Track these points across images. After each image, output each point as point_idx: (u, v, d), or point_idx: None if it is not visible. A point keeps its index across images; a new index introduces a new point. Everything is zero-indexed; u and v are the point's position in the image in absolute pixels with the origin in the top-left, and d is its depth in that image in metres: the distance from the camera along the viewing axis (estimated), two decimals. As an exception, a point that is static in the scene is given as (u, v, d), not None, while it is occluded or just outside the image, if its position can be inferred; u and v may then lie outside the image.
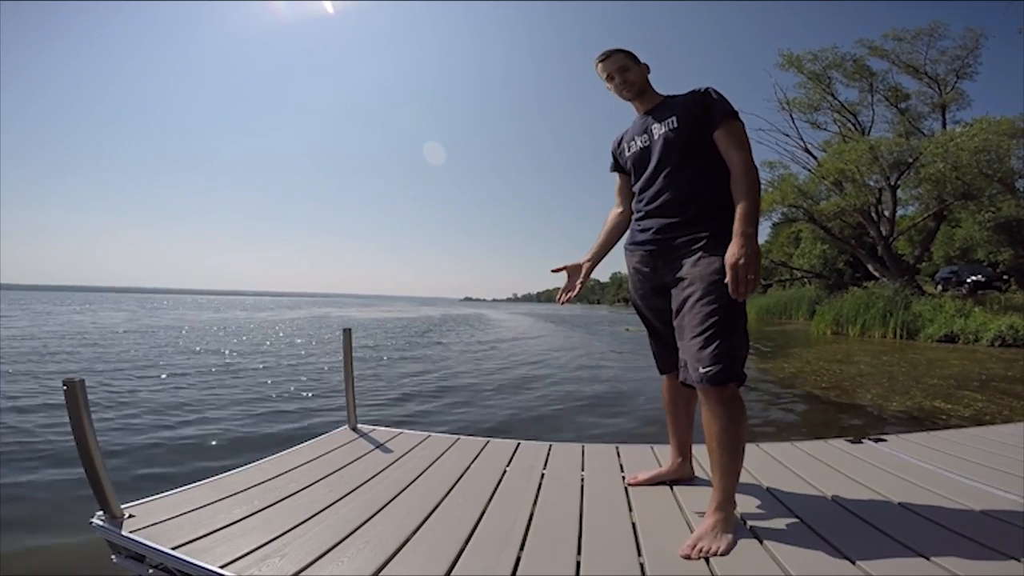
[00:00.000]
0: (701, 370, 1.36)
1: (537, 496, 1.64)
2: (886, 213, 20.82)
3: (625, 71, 1.69)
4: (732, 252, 1.36)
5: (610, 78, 1.70)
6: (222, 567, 1.16)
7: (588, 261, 1.80)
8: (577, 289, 1.76)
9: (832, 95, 21.79)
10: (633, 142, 1.69)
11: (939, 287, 19.11)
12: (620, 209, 1.84)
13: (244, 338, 12.27)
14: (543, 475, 1.86)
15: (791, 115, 23.00)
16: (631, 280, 1.70)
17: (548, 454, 2.12)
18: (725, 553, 1.29)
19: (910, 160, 18.51)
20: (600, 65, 1.72)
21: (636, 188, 1.67)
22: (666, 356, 1.69)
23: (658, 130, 1.60)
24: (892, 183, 19.82)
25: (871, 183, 20.24)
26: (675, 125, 1.56)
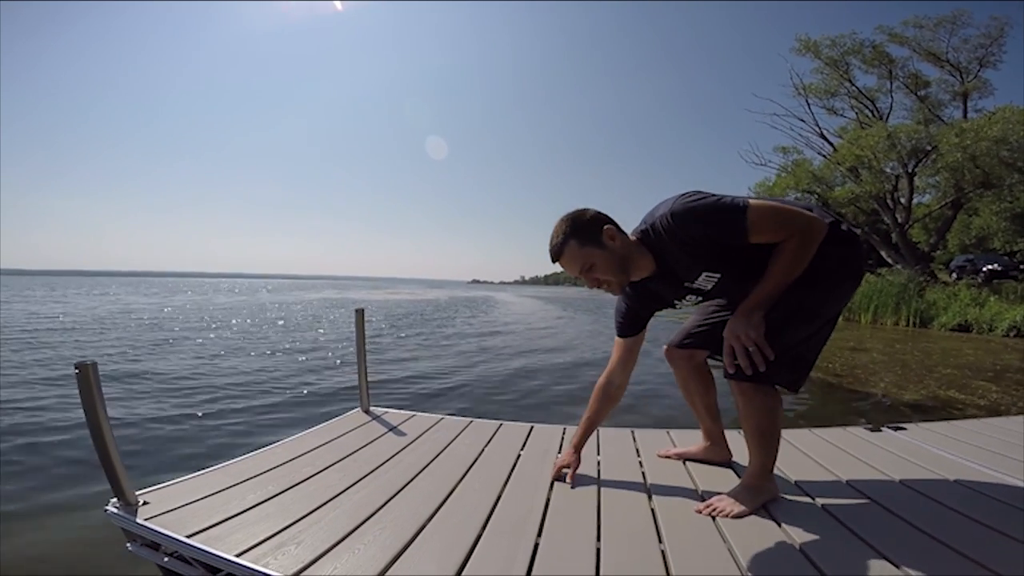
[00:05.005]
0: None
1: (553, 481, 1.62)
2: (902, 200, 20.48)
3: (590, 270, 1.33)
4: (733, 327, 1.23)
5: (580, 276, 1.37)
6: (238, 555, 1.14)
7: (576, 450, 1.67)
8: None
9: (850, 81, 21.32)
10: (677, 301, 1.50)
11: (954, 275, 18.84)
12: (613, 376, 1.61)
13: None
14: (558, 459, 1.84)
15: (807, 100, 22.57)
16: None
17: (562, 437, 2.10)
18: (733, 517, 1.31)
19: (928, 148, 18.14)
20: (558, 264, 1.37)
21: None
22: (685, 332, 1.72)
23: (703, 284, 1.38)
24: (909, 171, 19.47)
25: (888, 170, 19.90)
26: (717, 276, 1.35)
